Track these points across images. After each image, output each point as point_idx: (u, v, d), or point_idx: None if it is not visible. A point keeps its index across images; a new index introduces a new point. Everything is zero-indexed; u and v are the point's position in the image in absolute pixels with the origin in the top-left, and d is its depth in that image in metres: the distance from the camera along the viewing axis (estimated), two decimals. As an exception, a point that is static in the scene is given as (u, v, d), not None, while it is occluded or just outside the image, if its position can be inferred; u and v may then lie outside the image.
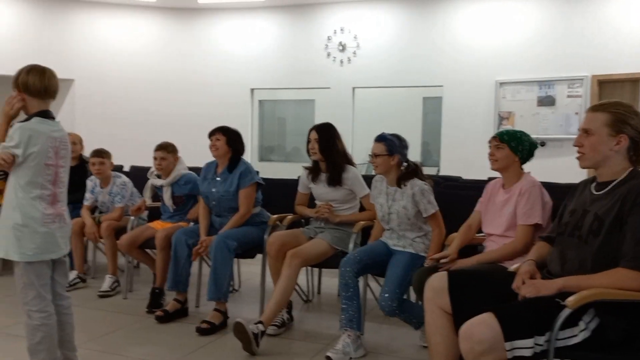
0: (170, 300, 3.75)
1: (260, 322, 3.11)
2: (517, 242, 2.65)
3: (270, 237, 3.50)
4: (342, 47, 8.54)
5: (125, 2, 8.99)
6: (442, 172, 7.14)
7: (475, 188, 3.28)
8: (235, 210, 3.71)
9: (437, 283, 2.19)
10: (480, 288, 2.13)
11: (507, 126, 7.06)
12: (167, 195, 4.19)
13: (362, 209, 3.63)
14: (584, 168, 2.15)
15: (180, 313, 3.69)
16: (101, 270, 4.71)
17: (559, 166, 6.38)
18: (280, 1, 8.83)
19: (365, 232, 3.55)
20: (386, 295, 2.90)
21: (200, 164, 4.11)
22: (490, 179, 3.12)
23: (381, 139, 3.18)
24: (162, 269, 3.85)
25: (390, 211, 3.18)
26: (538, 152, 2.92)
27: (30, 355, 2.42)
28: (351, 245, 3.40)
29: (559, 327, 1.82)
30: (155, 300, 3.83)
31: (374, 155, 3.17)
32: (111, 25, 9.10)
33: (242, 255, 3.74)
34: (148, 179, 4.34)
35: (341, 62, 8.58)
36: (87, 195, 4.53)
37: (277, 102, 11.45)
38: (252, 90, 9.39)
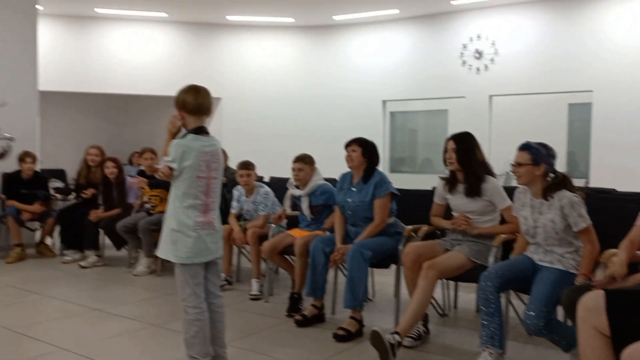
0: (307, 305, 3.89)
1: (396, 332, 3.09)
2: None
3: (406, 248, 3.48)
4: (479, 55, 8.28)
5: (267, 24, 9.57)
6: (592, 184, 6.58)
7: (634, 201, 2.98)
8: (370, 220, 3.75)
9: (592, 302, 2.03)
10: (643, 310, 1.93)
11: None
12: (304, 205, 4.36)
13: (502, 221, 3.47)
14: None
15: (318, 318, 3.81)
16: (244, 274, 5.04)
17: None
18: (413, 12, 8.81)
19: (506, 246, 3.38)
20: (531, 313, 2.73)
21: (336, 175, 4.23)
22: (653, 190, 2.82)
23: (525, 147, 3.02)
24: (301, 275, 4.01)
25: (535, 225, 2.99)
26: None
27: (186, 347, 2.66)
28: (491, 259, 3.26)
29: None
30: (294, 304, 4.00)
31: (517, 165, 3.01)
32: (254, 46, 9.75)
33: (377, 265, 3.77)
34: (287, 189, 4.56)
35: (477, 69, 8.32)
36: (234, 203, 4.88)
37: (408, 114, 11.39)
38: (384, 102, 9.45)
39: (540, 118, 9.99)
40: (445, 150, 3.48)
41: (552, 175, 3.00)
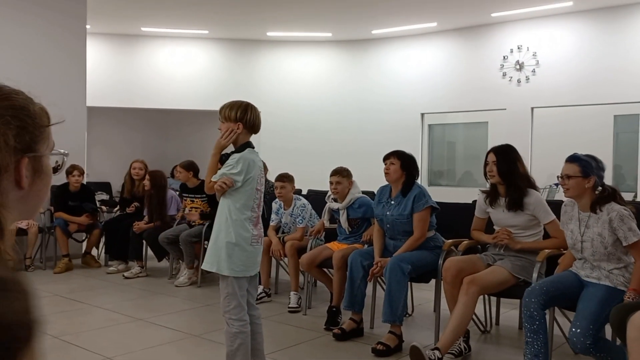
0: (346, 319, 3.87)
1: (436, 348, 3.05)
2: None
3: (446, 262, 3.44)
4: (520, 66, 8.16)
5: (305, 39, 9.69)
6: (640, 198, 6.35)
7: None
8: (409, 233, 3.72)
9: (643, 321, 1.95)
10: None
11: None
12: (343, 218, 4.37)
13: (546, 236, 3.39)
14: None
15: (356, 332, 3.79)
16: (282, 286, 5.06)
17: None
18: (451, 25, 8.77)
19: (550, 261, 3.30)
20: (577, 330, 2.65)
21: (374, 188, 4.22)
22: None
23: (574, 159, 2.94)
24: (339, 288, 4.01)
25: (582, 239, 2.91)
26: None
27: (228, 359, 2.69)
28: (535, 275, 3.18)
29: None
30: (332, 318, 3.99)
31: (566, 177, 2.93)
32: (293, 60, 9.88)
33: (417, 279, 3.73)
34: (325, 202, 4.58)
35: (518, 81, 8.19)
36: (273, 216, 4.93)
37: (446, 126, 11.28)
38: (423, 114, 9.39)
39: (584, 130, 9.73)
40: (486, 163, 3.44)
41: (600, 188, 2.92)
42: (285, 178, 4.81)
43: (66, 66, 6.64)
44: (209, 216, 5.29)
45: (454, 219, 3.95)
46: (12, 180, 0.79)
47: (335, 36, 9.54)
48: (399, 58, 9.44)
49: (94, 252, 6.42)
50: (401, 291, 3.50)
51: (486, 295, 3.75)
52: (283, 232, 4.97)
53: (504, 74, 8.29)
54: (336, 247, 4.29)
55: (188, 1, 7.93)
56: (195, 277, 5.38)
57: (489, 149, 3.52)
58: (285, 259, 4.77)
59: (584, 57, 7.70)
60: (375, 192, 4.05)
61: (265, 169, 5.60)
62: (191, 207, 5.55)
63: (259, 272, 4.35)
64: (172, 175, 9.43)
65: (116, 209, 6.70)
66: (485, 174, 3.47)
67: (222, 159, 2.75)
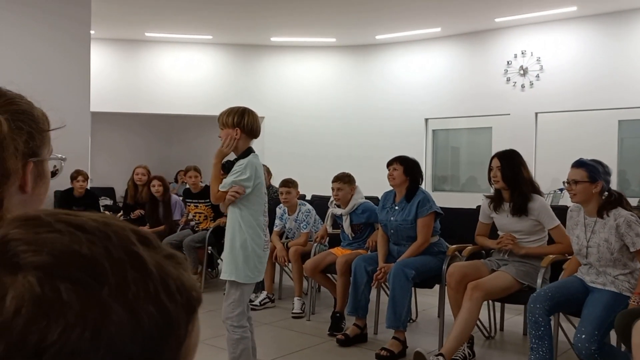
0: (349, 325, 3.86)
1: (440, 354, 3.03)
2: None
3: (450, 268, 3.42)
4: (524, 71, 8.15)
5: (309, 44, 9.71)
6: (646, 204, 6.30)
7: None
8: (413, 239, 3.71)
9: (649, 327, 1.94)
10: None
11: None
12: (346, 224, 4.36)
13: (550, 242, 3.37)
14: None
15: (360, 338, 3.77)
16: (286, 292, 5.05)
17: None
18: (455, 30, 8.77)
19: (554, 267, 3.28)
20: (582, 336, 2.63)
21: (379, 193, 4.21)
22: None
23: (581, 164, 2.92)
24: (343, 293, 3.99)
25: (589, 244, 2.90)
26: None
27: None
28: (539, 281, 3.17)
29: None
30: (336, 323, 3.98)
31: (573, 183, 2.92)
32: (297, 66, 9.90)
33: (420, 284, 3.72)
34: (329, 207, 4.57)
35: (522, 86, 8.18)
36: (277, 221, 4.93)
37: (450, 131, 11.26)
38: (427, 120, 9.39)
39: (589, 135, 9.70)
40: (490, 169, 3.43)
41: (606, 193, 2.91)
42: (290, 183, 4.81)
43: (70, 71, 6.67)
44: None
45: (458, 225, 3.93)
46: (17, 184, 0.80)
47: (339, 41, 9.56)
48: (402, 63, 9.45)
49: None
50: (405, 297, 3.48)
51: (490, 301, 3.73)
52: (287, 238, 4.96)
53: (508, 79, 8.28)
54: (340, 253, 4.28)
55: (192, 6, 7.96)
56: (198, 283, 5.37)
57: (493, 154, 3.51)
58: (289, 265, 4.76)
59: (588, 62, 7.69)
60: (380, 198, 4.05)
61: (269, 174, 5.62)
62: (195, 213, 5.55)
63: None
64: (176, 180, 9.45)
65: (119, 214, 6.72)
66: (489, 179, 3.46)
67: (225, 166, 2.74)
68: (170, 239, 5.44)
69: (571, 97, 7.81)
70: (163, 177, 5.94)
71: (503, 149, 3.54)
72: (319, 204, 5.12)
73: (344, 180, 4.33)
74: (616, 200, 2.86)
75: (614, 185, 3.74)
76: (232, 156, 2.78)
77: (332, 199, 4.48)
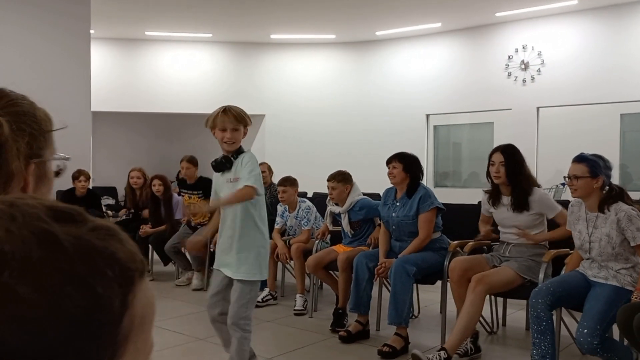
0: (352, 321, 3.86)
1: (443, 348, 3.03)
2: None
3: (452, 262, 3.42)
4: (525, 66, 8.13)
5: (309, 41, 9.70)
6: (648, 197, 6.29)
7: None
8: (415, 234, 3.71)
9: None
10: None
11: None
12: (345, 222, 4.36)
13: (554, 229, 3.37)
14: None
15: (362, 335, 3.77)
16: (288, 289, 5.05)
17: None
18: (456, 25, 8.75)
19: (556, 262, 3.28)
20: (585, 331, 2.63)
21: (380, 190, 4.20)
22: None
23: (582, 159, 2.91)
24: (344, 290, 4.00)
25: (590, 239, 2.89)
26: None
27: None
28: (541, 275, 3.16)
29: None
30: (339, 320, 3.98)
31: (574, 178, 2.91)
32: (296, 63, 9.89)
33: (422, 280, 3.71)
34: (327, 205, 4.57)
35: (523, 81, 8.16)
36: (278, 219, 4.93)
37: (451, 127, 11.24)
38: (428, 115, 9.38)
39: (591, 129, 9.67)
40: (492, 164, 3.41)
41: (607, 187, 2.90)
42: (287, 182, 4.80)
43: (70, 70, 6.67)
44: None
45: (460, 220, 3.93)
46: (20, 186, 0.80)
47: (339, 38, 9.55)
48: (403, 59, 9.43)
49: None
50: (406, 293, 3.48)
51: (493, 297, 3.73)
52: (288, 235, 4.96)
53: (509, 74, 8.26)
54: (341, 250, 4.28)
55: (192, 4, 7.96)
56: (201, 282, 5.37)
57: (494, 148, 3.50)
58: (291, 262, 4.76)
59: (589, 56, 7.67)
60: (381, 195, 4.04)
61: (271, 171, 5.61)
62: (188, 204, 5.52)
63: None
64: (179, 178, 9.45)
65: (122, 212, 6.72)
66: (488, 174, 3.44)
67: (220, 162, 2.74)
68: (172, 243, 5.43)
69: (573, 91, 7.79)
70: (164, 176, 5.93)
71: (505, 143, 3.53)
72: (320, 201, 5.12)
73: (338, 179, 4.31)
74: (617, 194, 2.85)
75: (615, 180, 3.74)
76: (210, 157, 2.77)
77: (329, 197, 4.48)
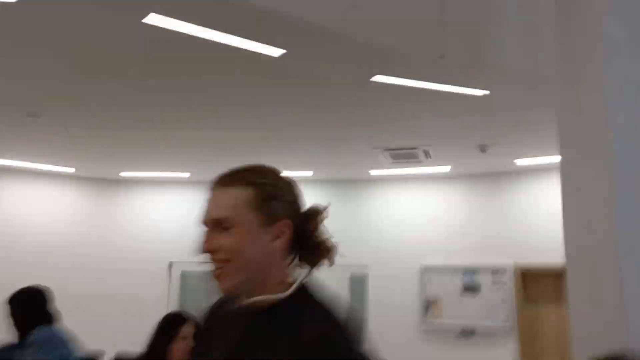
0: None
1: None
2: None
3: None
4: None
5: (40, 171, 8.58)
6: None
7: None
8: None
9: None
10: None
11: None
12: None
13: None
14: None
15: None
16: None
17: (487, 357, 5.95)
18: (203, 176, 8.70)
19: None
20: None
21: None
22: None
23: None
24: None
25: None
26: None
27: None
28: None
29: None
30: None
31: None
32: (24, 194, 8.63)
33: None
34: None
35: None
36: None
37: (198, 274, 10.83)
38: (171, 263, 8.89)
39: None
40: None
41: None
42: None
43: None
44: None
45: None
46: None
47: (78, 172, 8.70)
48: (147, 203, 8.96)
49: None
50: None
51: None
52: None
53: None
54: None
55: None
56: None
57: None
58: None
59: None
60: None
61: None
62: None
63: None
64: None
65: None
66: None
67: None
68: None
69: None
70: None
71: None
72: None
73: None
74: None
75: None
76: None
77: None
